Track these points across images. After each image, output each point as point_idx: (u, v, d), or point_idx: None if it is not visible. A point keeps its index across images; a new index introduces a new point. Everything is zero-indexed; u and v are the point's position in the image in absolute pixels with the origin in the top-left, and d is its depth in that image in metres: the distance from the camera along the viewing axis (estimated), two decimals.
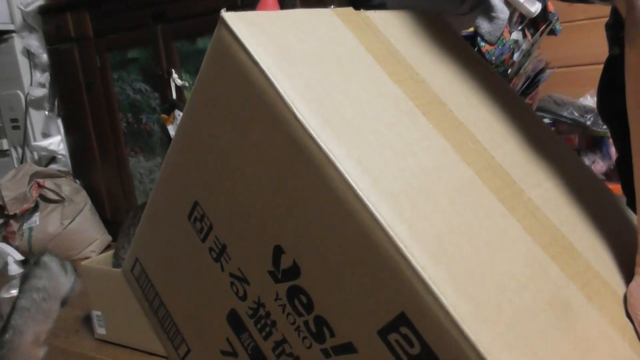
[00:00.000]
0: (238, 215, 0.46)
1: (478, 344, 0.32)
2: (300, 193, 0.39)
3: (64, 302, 0.72)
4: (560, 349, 0.35)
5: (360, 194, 0.35)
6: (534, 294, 0.37)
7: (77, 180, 2.13)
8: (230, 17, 0.42)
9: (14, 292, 1.47)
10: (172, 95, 1.76)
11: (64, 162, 2.22)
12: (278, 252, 0.42)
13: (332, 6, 0.69)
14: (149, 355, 1.22)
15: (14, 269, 1.46)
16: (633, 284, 0.43)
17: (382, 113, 0.43)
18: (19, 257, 1.48)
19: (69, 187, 2.05)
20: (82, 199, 2.07)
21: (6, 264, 1.49)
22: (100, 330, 1.31)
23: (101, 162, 2.10)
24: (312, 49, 0.45)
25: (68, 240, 1.97)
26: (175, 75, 1.72)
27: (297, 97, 0.39)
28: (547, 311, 0.37)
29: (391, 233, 0.34)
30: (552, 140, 0.57)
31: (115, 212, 2.13)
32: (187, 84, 1.73)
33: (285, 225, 0.41)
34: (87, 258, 2.02)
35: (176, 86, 1.74)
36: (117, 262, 1.30)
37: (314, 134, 0.37)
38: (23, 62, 2.24)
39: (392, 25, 0.54)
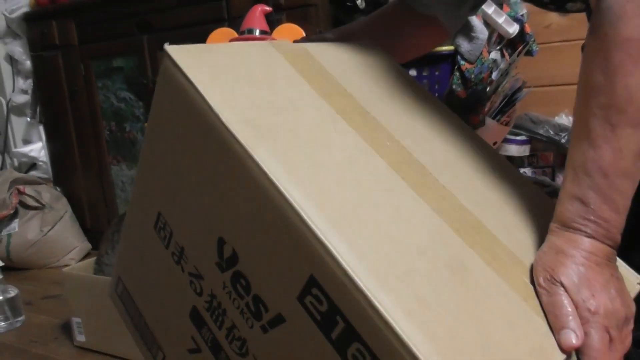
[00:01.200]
0: (190, 218, 0.52)
1: (366, 291, 0.36)
2: (231, 188, 0.45)
3: None
4: (450, 299, 0.39)
5: (275, 181, 0.41)
6: (431, 256, 0.42)
7: (58, 188, 2.12)
8: (171, 49, 0.50)
9: None
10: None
11: (45, 169, 2.20)
12: (221, 243, 0.48)
13: (318, 29, 0.74)
14: None
15: None
16: (541, 247, 0.46)
17: (303, 117, 0.49)
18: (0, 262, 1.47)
19: (49, 194, 2.03)
20: (63, 206, 2.05)
21: None
22: (80, 338, 1.30)
23: (83, 169, 2.10)
24: (242, 69, 0.51)
25: (47, 248, 1.96)
26: None
27: (223, 105, 0.45)
28: (442, 269, 0.41)
29: (297, 208, 0.40)
30: (474, 139, 0.61)
31: (96, 220, 2.12)
32: None
33: (224, 219, 0.47)
34: (66, 265, 2.00)
35: None
36: (99, 268, 1.30)
37: (237, 136, 0.43)
38: (6, 68, 2.23)
39: (326, 53, 0.61)
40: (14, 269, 1.96)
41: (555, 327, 0.41)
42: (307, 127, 0.48)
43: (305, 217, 0.39)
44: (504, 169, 0.59)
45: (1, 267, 1.48)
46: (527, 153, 1.45)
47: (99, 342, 1.28)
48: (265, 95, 0.49)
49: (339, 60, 0.61)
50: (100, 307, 1.25)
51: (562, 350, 0.40)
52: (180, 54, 0.48)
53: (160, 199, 0.56)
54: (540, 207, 0.56)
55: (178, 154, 0.51)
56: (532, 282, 0.45)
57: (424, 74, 1.18)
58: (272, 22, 1.37)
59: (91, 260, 1.37)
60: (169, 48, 0.49)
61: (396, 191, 0.46)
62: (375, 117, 0.54)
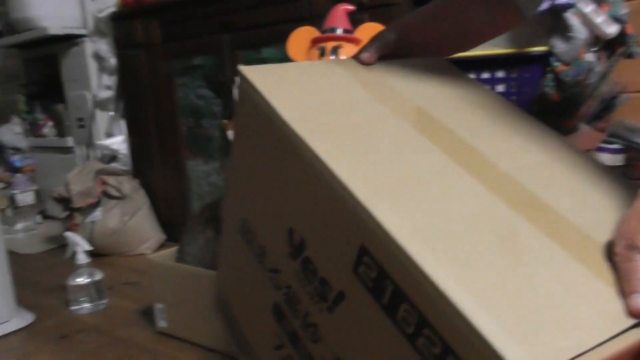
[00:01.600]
0: (267, 217, 0.59)
1: (410, 253, 0.39)
2: (295, 178, 0.52)
3: None
4: (498, 261, 0.40)
5: (326, 162, 0.47)
6: (480, 224, 0.43)
7: (136, 180, 2.22)
8: (245, 69, 0.60)
9: (80, 280, 1.54)
10: (234, 102, 1.81)
11: (125, 162, 2.31)
12: (291, 233, 0.53)
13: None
14: (209, 351, 1.26)
15: (82, 259, 1.52)
16: (623, 215, 0.44)
17: (357, 115, 0.55)
18: (87, 247, 1.54)
19: (129, 185, 2.13)
20: (141, 197, 2.15)
21: (75, 253, 1.56)
22: (162, 323, 1.36)
23: (161, 163, 2.19)
24: (303, 81, 0.60)
25: (126, 236, 2.05)
26: (238, 83, 1.78)
27: (286, 108, 0.53)
28: (491, 235, 0.42)
29: (344, 182, 0.45)
30: (551, 136, 0.61)
31: (171, 213, 2.21)
32: None
33: (292, 209, 0.53)
34: (142, 254, 2.10)
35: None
36: (181, 257, 1.35)
37: (295, 129, 0.50)
38: (92, 65, 2.35)
39: (392, 70, 0.67)
40: (95, 254, 2.06)
41: (625, 291, 0.39)
42: (359, 122, 0.54)
43: (351, 190, 0.44)
44: (588, 165, 0.58)
45: (88, 251, 1.56)
46: (621, 163, 1.38)
47: (179, 329, 1.33)
48: (322, 100, 0.57)
49: (400, 72, 0.66)
50: (182, 294, 1.30)
51: (631, 314, 0.38)
52: (252, 72, 0.59)
53: (244, 205, 0.65)
54: (614, 191, 0.54)
55: (256, 160, 0.60)
56: (606, 255, 0.43)
57: (513, 75, 1.15)
58: (355, 21, 1.37)
59: (173, 249, 1.43)
60: (243, 68, 0.60)
61: (447, 173, 0.49)
62: (431, 114, 0.58)
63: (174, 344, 1.31)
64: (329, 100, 0.57)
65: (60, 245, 2.32)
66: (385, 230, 0.40)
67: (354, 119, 0.54)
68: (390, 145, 0.51)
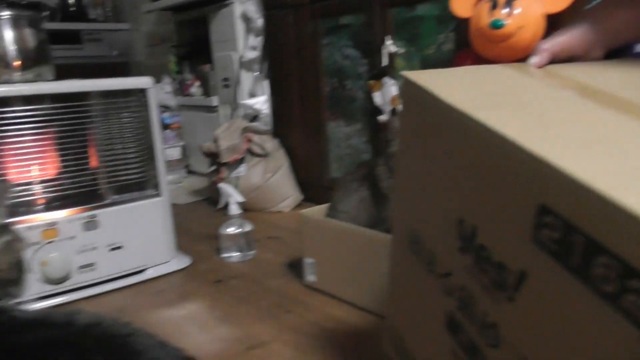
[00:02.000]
0: (434, 216, 0.59)
1: (604, 193, 0.34)
2: (465, 162, 0.51)
3: None
4: None
5: (495, 129, 0.45)
6: None
7: (276, 139, 2.27)
8: (409, 74, 0.63)
9: (231, 230, 1.62)
10: (382, 62, 1.77)
11: (266, 121, 2.38)
12: (460, 224, 0.52)
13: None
14: (357, 308, 1.26)
15: (234, 209, 1.60)
16: None
17: (528, 97, 0.55)
18: (240, 199, 1.61)
19: (271, 144, 2.19)
20: (282, 156, 2.20)
21: (228, 204, 1.64)
22: (310, 278, 1.38)
23: (301, 124, 2.22)
24: (465, 76, 0.63)
25: (267, 193, 2.12)
26: (389, 42, 1.73)
27: (456, 99, 0.53)
28: None
29: (518, 142, 0.42)
30: None
31: (309, 173, 2.24)
32: (400, 51, 1.73)
33: (460, 197, 0.52)
34: (280, 212, 2.16)
35: (389, 53, 1.75)
36: (332, 214, 1.35)
37: (466, 111, 0.50)
38: (240, 27, 2.42)
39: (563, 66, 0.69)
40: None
41: None
42: (531, 100, 0.54)
43: (529, 147, 0.41)
44: None
45: (240, 202, 1.62)
46: None
47: (328, 284, 1.34)
48: (492, 89, 0.59)
49: (573, 67, 0.67)
50: (333, 250, 1.31)
51: None
52: (417, 76, 0.62)
53: (412, 215, 0.65)
54: None
55: (425, 163, 0.60)
56: None
57: None
58: None
59: (324, 206, 1.43)
60: (407, 74, 0.64)
61: (625, 128, 0.45)
62: (604, 89, 0.55)
63: (323, 299, 1.33)
64: (498, 89, 0.59)
65: (205, 198, 2.47)
66: (572, 176, 0.36)
67: (526, 98, 0.55)
68: (568, 113, 0.50)
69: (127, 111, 1.48)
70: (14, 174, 1.35)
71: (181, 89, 2.93)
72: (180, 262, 1.61)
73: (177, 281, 1.51)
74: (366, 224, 1.30)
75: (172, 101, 2.93)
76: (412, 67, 1.73)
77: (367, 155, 1.97)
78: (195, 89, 2.81)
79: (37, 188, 1.38)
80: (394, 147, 1.23)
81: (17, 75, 1.31)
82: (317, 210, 1.42)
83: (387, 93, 1.77)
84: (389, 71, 1.76)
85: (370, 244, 1.20)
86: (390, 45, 1.73)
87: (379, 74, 1.78)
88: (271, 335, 1.16)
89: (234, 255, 1.64)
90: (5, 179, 0.56)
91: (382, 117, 1.81)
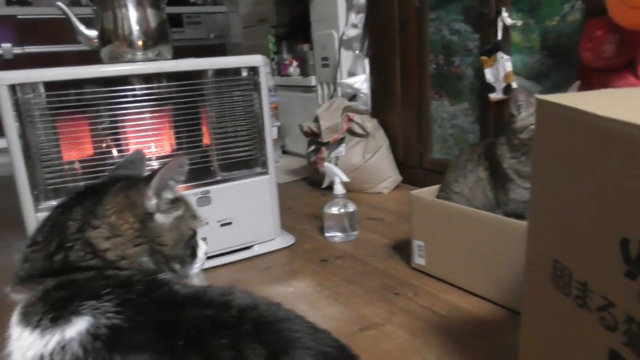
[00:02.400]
0: (586, 241, 0.53)
1: None
2: (631, 175, 0.47)
3: None
4: None
5: None
6: None
7: (375, 119, 2.23)
8: (547, 97, 0.61)
9: (335, 210, 1.61)
10: (496, 36, 1.66)
11: (364, 101, 2.34)
12: (625, 245, 0.47)
13: None
14: (470, 294, 1.21)
15: (339, 189, 1.58)
16: None
17: None
18: (345, 178, 1.59)
19: (370, 124, 2.15)
20: (381, 136, 2.16)
21: (332, 183, 1.63)
22: (419, 260, 1.34)
23: (402, 103, 2.16)
24: (608, 97, 0.63)
25: (366, 174, 2.09)
26: (505, 14, 1.62)
27: (609, 113, 0.50)
28: None
29: None
30: None
31: (408, 154, 2.18)
32: (518, 24, 1.61)
33: (624, 215, 0.47)
34: (379, 193, 2.12)
35: (503, 26, 1.64)
36: (445, 195, 1.30)
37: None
38: (341, 4, 2.39)
39: None
40: None
41: None
42: None
43: None
44: None
45: (345, 182, 1.61)
46: None
47: (438, 268, 1.30)
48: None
49: None
50: (444, 233, 1.25)
51: None
52: (556, 98, 0.60)
53: (554, 243, 0.60)
54: None
55: (572, 185, 0.56)
56: None
57: None
58: None
59: (435, 187, 1.38)
60: (544, 97, 0.61)
61: None
62: None
63: (432, 283, 1.28)
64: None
65: (302, 177, 2.49)
66: None
67: None
68: None
69: (238, 89, 1.51)
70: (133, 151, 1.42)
71: (279, 70, 2.96)
72: (285, 240, 1.63)
73: (282, 259, 1.53)
74: (482, 206, 1.23)
75: (270, 82, 2.97)
76: (530, 41, 1.61)
77: (473, 136, 1.88)
78: (293, 69, 2.83)
79: (154, 164, 1.44)
80: (516, 123, 1.15)
81: (139, 54, 1.37)
82: (428, 192, 1.37)
83: (500, 69, 1.66)
84: (503, 46, 1.65)
85: (488, 227, 1.13)
86: (506, 18, 1.62)
87: (492, 49, 1.68)
88: (383, 317, 1.14)
89: (338, 235, 1.63)
90: (180, 154, 0.57)
91: (494, 95, 1.71)
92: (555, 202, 0.60)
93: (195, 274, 0.64)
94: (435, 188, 1.38)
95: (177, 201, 0.61)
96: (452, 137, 1.97)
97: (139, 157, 0.71)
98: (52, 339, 0.46)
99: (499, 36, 1.65)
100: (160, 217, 0.59)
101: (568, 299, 0.56)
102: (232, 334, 0.49)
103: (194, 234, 0.63)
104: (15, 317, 0.50)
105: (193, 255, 0.63)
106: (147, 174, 0.60)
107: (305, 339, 0.52)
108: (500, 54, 1.65)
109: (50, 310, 0.48)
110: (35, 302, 0.50)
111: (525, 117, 1.15)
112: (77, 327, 0.46)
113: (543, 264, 0.62)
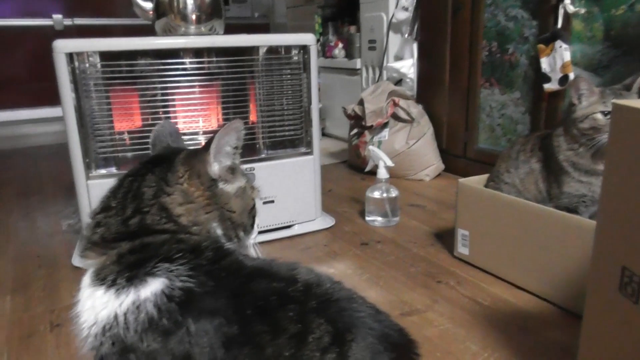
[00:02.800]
0: None
1: None
2: None
3: None
4: None
5: None
6: None
7: (420, 105, 2.19)
8: (626, 103, 0.59)
9: (377, 194, 1.60)
10: (556, 24, 1.60)
11: (410, 86, 2.30)
12: None
13: None
14: (515, 287, 1.18)
15: (383, 174, 1.57)
16: None
17: None
18: (390, 163, 1.57)
19: (415, 109, 2.12)
20: (426, 123, 2.12)
21: (376, 167, 1.61)
22: (462, 250, 1.32)
23: (449, 90, 2.11)
24: None
25: (408, 160, 2.07)
26: (567, 1, 1.55)
27: None
28: None
29: None
30: None
31: (452, 143, 2.14)
32: (581, 11, 1.54)
33: None
34: (420, 180, 2.10)
35: (565, 14, 1.57)
36: (495, 185, 1.27)
37: None
38: None
39: None
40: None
41: None
42: None
43: None
44: None
45: (389, 167, 1.59)
46: None
47: (482, 259, 1.27)
48: None
49: None
50: (491, 223, 1.23)
51: None
52: (629, 103, 0.59)
53: (623, 250, 0.59)
54: None
55: None
56: None
57: None
58: None
59: (483, 176, 1.35)
60: (622, 102, 0.59)
61: None
62: None
63: (476, 273, 1.26)
64: None
65: (342, 161, 2.47)
66: None
67: None
68: None
69: (288, 68, 1.50)
70: (181, 124, 1.44)
71: (323, 51, 2.93)
72: (325, 221, 1.63)
73: (322, 240, 1.53)
74: (533, 199, 1.20)
75: None
76: (592, 31, 1.54)
77: (522, 127, 1.83)
78: (338, 50, 2.80)
79: (201, 139, 1.45)
80: (576, 112, 1.11)
81: (192, 28, 1.37)
82: (476, 180, 1.34)
83: (557, 59, 1.60)
84: (563, 34, 1.58)
85: (540, 220, 1.10)
86: (568, 5, 1.55)
87: (550, 37, 1.62)
88: (424, 304, 1.13)
89: (378, 219, 1.62)
90: (238, 119, 0.57)
91: (548, 86, 1.65)
92: (627, 208, 0.59)
93: (252, 244, 0.65)
94: (483, 177, 1.35)
95: (237, 172, 0.61)
96: (500, 127, 1.92)
97: (173, 129, 0.70)
98: (127, 299, 0.47)
99: (559, 24, 1.59)
100: (225, 186, 0.59)
101: (635, 307, 0.56)
102: (298, 308, 0.49)
103: (254, 205, 0.63)
104: (86, 280, 0.51)
105: (252, 225, 0.64)
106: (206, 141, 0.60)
107: (368, 319, 0.52)
108: (558, 43, 1.59)
109: (126, 270, 0.49)
110: (109, 264, 0.50)
111: (586, 106, 1.10)
112: (152, 287, 0.47)
113: (610, 270, 0.61)
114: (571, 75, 1.58)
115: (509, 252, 1.19)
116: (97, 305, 0.48)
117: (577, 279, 1.05)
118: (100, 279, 0.49)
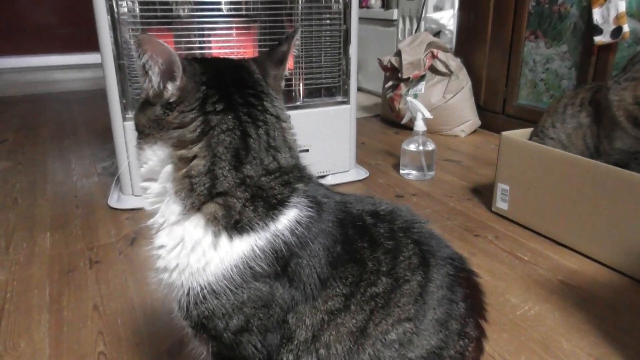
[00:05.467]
0: None
1: None
2: None
3: None
4: None
5: None
6: None
7: (458, 58, 2.11)
8: None
9: (414, 147, 1.56)
10: None
11: (449, 39, 2.22)
12: None
13: None
14: (555, 243, 1.15)
15: (420, 126, 1.53)
16: None
17: None
18: (428, 115, 1.53)
19: (454, 62, 2.04)
20: (464, 77, 2.05)
21: (413, 119, 1.57)
22: (501, 205, 1.29)
23: (491, 43, 2.03)
24: None
25: (445, 115, 2.01)
26: None
27: None
28: None
29: None
30: None
31: (491, 98, 2.07)
32: None
33: None
34: (456, 136, 2.05)
35: None
36: (539, 140, 1.22)
37: None
38: None
39: None
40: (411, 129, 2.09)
41: None
42: None
43: None
44: None
45: (427, 119, 1.54)
46: None
47: (522, 214, 1.24)
48: None
49: None
50: (534, 178, 1.19)
51: None
52: None
53: None
54: None
55: None
56: None
57: None
58: None
59: (527, 130, 1.30)
60: None
61: None
62: None
63: (515, 228, 1.23)
64: None
65: (374, 114, 2.43)
66: None
67: None
68: None
69: (328, 14, 1.45)
70: None
71: (359, 1, 2.83)
72: (359, 173, 1.60)
73: (356, 191, 1.51)
74: (581, 155, 1.15)
75: None
76: None
77: (567, 82, 1.75)
78: (374, 0, 2.71)
79: None
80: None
81: None
82: (519, 134, 1.29)
83: (611, 9, 1.51)
84: None
85: (590, 176, 1.06)
86: None
87: None
88: None
89: (413, 172, 1.59)
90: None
91: (599, 38, 1.57)
92: None
93: None
94: (526, 132, 1.31)
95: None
96: (544, 83, 1.85)
97: None
98: (270, 228, 0.50)
99: None
100: None
101: None
102: (388, 226, 0.55)
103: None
104: (213, 227, 0.50)
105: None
106: None
107: (441, 245, 0.58)
108: None
109: (266, 205, 0.51)
110: (243, 204, 0.50)
111: None
112: (288, 216, 0.51)
113: None
114: (625, 27, 1.50)
115: (552, 208, 1.16)
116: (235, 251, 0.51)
117: (628, 238, 1.01)
118: (238, 221, 0.51)
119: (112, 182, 1.56)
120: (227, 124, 0.50)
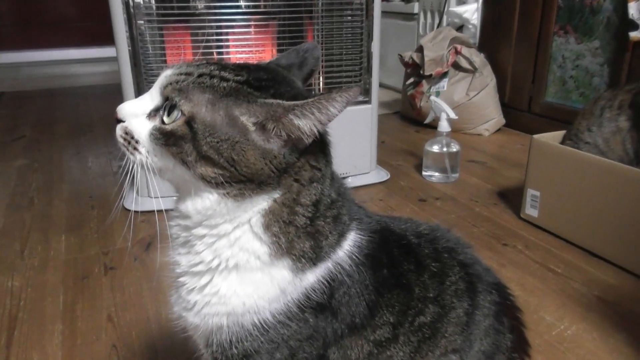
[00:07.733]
0: None
1: None
2: None
3: None
4: None
5: None
6: None
7: (482, 54, 2.04)
8: None
9: (437, 148, 1.50)
10: None
11: (472, 33, 2.14)
12: None
13: None
14: (589, 254, 1.09)
15: (444, 126, 1.47)
16: None
17: None
18: (453, 115, 1.47)
19: (478, 58, 1.97)
20: (489, 74, 1.98)
21: (437, 119, 1.51)
22: (530, 211, 1.23)
23: (517, 38, 1.95)
24: None
25: (468, 112, 1.95)
26: None
27: None
28: None
29: None
30: None
31: (516, 95, 2.00)
32: None
33: None
34: (479, 135, 1.98)
35: None
36: (573, 144, 1.16)
37: None
38: None
39: None
40: (433, 127, 2.02)
41: None
42: None
43: None
44: None
45: (452, 119, 1.48)
46: None
47: (554, 223, 1.18)
48: None
49: None
50: (568, 185, 1.13)
51: None
52: None
53: None
54: None
55: None
56: None
57: None
58: None
59: (559, 133, 1.24)
60: None
61: None
62: None
63: (545, 237, 1.18)
64: None
65: (394, 111, 2.37)
66: None
67: None
68: None
69: (349, 10, 1.39)
70: None
71: None
72: (380, 175, 1.55)
73: (378, 194, 1.46)
74: (619, 161, 1.09)
75: None
76: None
77: (598, 80, 1.68)
78: None
79: None
80: None
81: None
82: (550, 137, 1.23)
83: None
84: None
85: (628, 183, 1.00)
86: None
87: None
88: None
89: (436, 175, 1.53)
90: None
91: (635, 34, 1.49)
92: None
93: None
94: (558, 134, 1.24)
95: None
96: (573, 80, 1.77)
97: (318, 54, 0.60)
98: (334, 256, 0.47)
99: None
100: None
101: None
102: (432, 247, 0.52)
103: None
104: (299, 264, 0.45)
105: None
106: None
107: (483, 269, 0.55)
108: None
109: (335, 233, 0.47)
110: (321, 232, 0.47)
111: None
112: (349, 241, 0.48)
113: None
114: None
115: (587, 217, 1.10)
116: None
117: None
118: (304, 255, 0.47)
119: (127, 182, 1.52)
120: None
